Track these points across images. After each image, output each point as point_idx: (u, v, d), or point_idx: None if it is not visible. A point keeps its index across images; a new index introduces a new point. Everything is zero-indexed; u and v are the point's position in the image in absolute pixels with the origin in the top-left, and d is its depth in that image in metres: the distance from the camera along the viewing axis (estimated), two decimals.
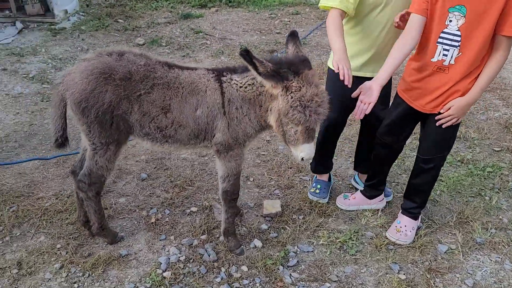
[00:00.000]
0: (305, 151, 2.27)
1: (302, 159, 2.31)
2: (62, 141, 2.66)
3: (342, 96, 2.74)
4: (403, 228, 2.93)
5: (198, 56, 6.19)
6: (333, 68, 2.69)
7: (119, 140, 2.49)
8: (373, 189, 3.20)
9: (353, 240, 2.93)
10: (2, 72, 5.33)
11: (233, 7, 8.61)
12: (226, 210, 2.71)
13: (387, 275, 2.69)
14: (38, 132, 4.10)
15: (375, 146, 3.02)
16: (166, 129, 2.45)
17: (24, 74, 5.29)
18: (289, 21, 7.81)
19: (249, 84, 2.36)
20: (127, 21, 7.51)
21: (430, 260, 2.80)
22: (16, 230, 2.91)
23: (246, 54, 2.10)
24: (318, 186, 3.32)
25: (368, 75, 2.84)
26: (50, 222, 2.99)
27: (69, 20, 7.35)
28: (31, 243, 2.82)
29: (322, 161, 3.34)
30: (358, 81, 2.62)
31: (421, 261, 2.80)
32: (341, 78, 2.33)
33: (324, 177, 3.40)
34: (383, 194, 3.26)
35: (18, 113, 4.41)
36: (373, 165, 3.14)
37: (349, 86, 2.33)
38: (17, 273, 2.59)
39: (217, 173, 2.75)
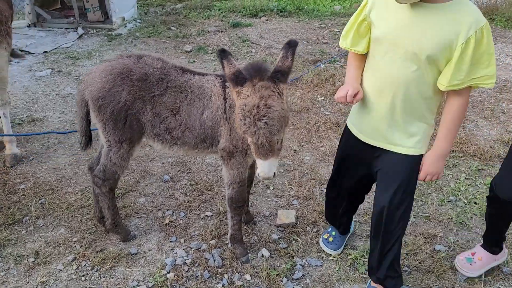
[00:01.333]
0: (260, 167, 2.11)
1: (258, 175, 2.16)
2: (85, 142, 2.84)
3: (347, 156, 2.48)
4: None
5: (241, 64, 6.25)
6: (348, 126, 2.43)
7: (132, 139, 2.58)
8: (496, 244, 2.69)
9: (365, 258, 2.79)
10: (57, 74, 5.72)
11: (284, 16, 8.64)
12: (232, 216, 2.70)
13: None
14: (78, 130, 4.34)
15: (494, 205, 2.51)
16: (175, 131, 2.51)
17: (76, 76, 5.64)
18: (339, 31, 7.68)
19: None
20: (179, 28, 7.78)
21: (446, 287, 2.60)
22: (40, 221, 3.09)
23: (219, 53, 2.14)
24: (333, 233, 2.88)
25: (362, 138, 2.31)
26: (72, 216, 3.14)
27: (125, 26, 7.76)
28: (51, 234, 2.98)
29: (330, 214, 2.87)
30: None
31: (437, 287, 2.60)
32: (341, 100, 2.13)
33: None
34: (503, 243, 2.75)
35: (63, 112, 4.71)
36: (496, 222, 2.62)
37: (351, 103, 2.14)
38: (33, 261, 2.74)
39: None
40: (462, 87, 1.94)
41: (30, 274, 2.66)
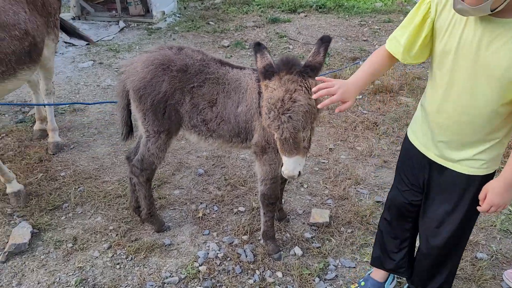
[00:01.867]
0: (284, 164, 2.07)
1: (283, 172, 2.10)
2: (126, 132, 2.89)
3: (410, 174, 2.16)
4: None
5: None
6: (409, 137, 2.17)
7: (170, 130, 2.61)
8: None
9: None
10: (98, 66, 5.87)
11: (323, 13, 8.51)
12: (264, 213, 2.68)
13: None
14: (117, 121, 4.42)
15: None
16: (211, 122, 2.52)
17: (116, 68, 5.76)
18: (379, 29, 7.51)
19: None
20: (217, 23, 7.81)
21: None
22: (79, 208, 3.17)
23: (253, 46, 2.12)
24: (362, 283, 2.52)
25: (422, 150, 2.06)
26: (109, 205, 3.21)
27: (165, 21, 7.86)
28: (89, 222, 3.05)
29: (380, 251, 2.46)
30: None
31: None
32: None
33: (379, 275, 2.51)
34: None
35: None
36: None
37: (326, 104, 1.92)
38: (71, 247, 2.82)
39: None
40: None
41: (68, 259, 2.74)
